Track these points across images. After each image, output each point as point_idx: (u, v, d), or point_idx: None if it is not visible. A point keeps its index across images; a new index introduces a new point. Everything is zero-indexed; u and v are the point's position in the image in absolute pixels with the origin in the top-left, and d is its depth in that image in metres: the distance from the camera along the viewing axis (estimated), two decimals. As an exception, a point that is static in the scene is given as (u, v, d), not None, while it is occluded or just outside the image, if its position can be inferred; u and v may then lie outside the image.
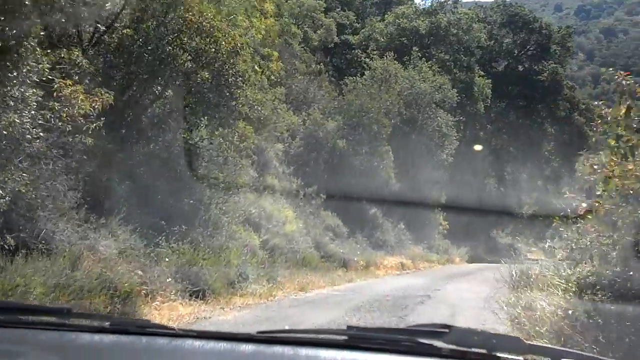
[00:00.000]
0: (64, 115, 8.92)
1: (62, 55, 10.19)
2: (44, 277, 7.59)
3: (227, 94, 12.84)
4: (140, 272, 8.95)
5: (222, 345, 2.09)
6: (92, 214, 9.93)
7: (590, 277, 7.43)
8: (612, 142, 7.26)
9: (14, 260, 7.67)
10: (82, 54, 10.84)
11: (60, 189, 9.19)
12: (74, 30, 11.26)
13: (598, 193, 7.70)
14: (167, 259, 10.17)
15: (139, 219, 11.03)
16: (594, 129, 8.67)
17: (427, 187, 32.25)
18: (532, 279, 13.43)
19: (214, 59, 12.76)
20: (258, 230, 16.30)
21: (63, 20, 8.87)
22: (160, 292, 9.37)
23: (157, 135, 13.52)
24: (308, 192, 24.07)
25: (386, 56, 31.91)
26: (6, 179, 7.70)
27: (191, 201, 12.74)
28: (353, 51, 38.35)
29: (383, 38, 39.39)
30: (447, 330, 2.04)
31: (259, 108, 14.73)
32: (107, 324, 2.29)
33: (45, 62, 8.62)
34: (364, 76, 30.45)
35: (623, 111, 7.11)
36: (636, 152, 6.99)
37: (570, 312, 7.40)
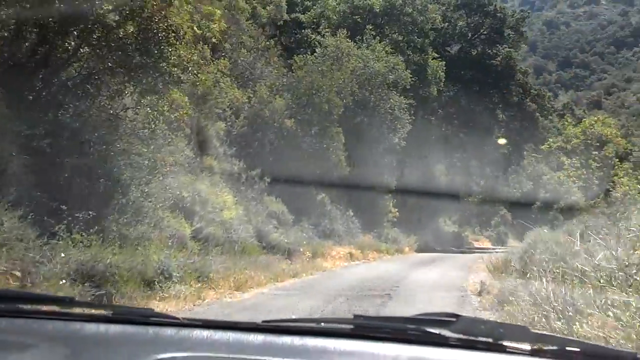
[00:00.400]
0: None
1: None
2: None
3: (156, 52, 10.64)
4: (18, 274, 6.76)
5: (230, 335, 2.06)
6: (-33, 195, 7.68)
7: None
8: None
9: None
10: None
11: None
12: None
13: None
14: (63, 254, 7.95)
15: (34, 202, 8.79)
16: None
17: (378, 172, 30.61)
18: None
19: (141, 9, 10.55)
20: (190, 217, 14.16)
21: None
22: (49, 299, 7.19)
23: (70, 102, 11.25)
24: (251, 175, 22.02)
25: (339, 33, 29.96)
26: None
27: (106, 181, 10.51)
28: (303, 30, 36.23)
29: (335, 16, 37.34)
30: (454, 319, 2.04)
31: (195, 72, 12.47)
32: (110, 313, 2.25)
33: None
34: (315, 54, 28.45)
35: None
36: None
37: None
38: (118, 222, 10.21)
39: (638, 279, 7.68)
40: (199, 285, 10.91)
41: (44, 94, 11.29)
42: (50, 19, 10.67)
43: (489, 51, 41.57)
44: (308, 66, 25.90)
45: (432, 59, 36.95)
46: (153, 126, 11.62)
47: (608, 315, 6.26)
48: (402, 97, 32.27)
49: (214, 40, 19.29)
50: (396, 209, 31.97)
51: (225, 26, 21.25)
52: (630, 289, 7.34)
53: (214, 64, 21.00)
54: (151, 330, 2.13)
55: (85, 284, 7.93)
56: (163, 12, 10.64)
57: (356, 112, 30.03)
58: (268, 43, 29.22)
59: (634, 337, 5.54)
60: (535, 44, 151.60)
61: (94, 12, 10.38)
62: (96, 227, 9.16)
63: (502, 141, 42.41)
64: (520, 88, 42.55)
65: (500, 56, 41.26)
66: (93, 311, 2.38)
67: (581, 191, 41.02)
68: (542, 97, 44.94)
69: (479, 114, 42.65)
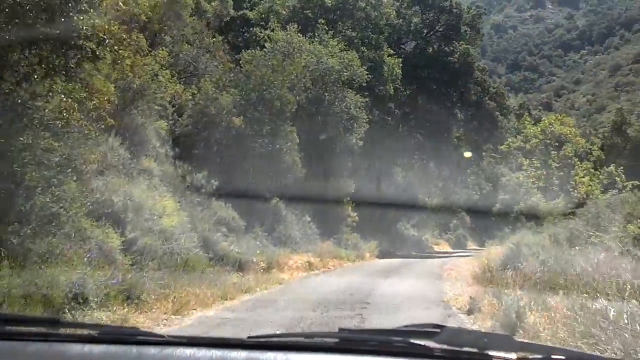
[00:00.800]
0: None
1: None
2: None
3: (63, 21, 8.49)
4: None
5: (214, 352, 2.05)
6: None
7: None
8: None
9: None
10: None
11: None
12: None
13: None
14: None
15: None
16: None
17: (335, 174, 28.81)
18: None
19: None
20: (121, 227, 11.95)
21: None
22: None
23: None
24: (196, 178, 19.95)
25: (289, 27, 28.04)
26: None
27: (5, 183, 8.30)
28: (252, 28, 34.13)
29: (285, 11, 35.39)
30: (438, 330, 2.06)
31: (116, 49, 10.28)
32: (96, 333, 2.25)
33: None
34: (265, 49, 26.44)
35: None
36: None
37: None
38: (17, 235, 8.00)
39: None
40: (126, 309, 8.76)
41: None
42: None
43: (446, 48, 40.14)
44: (257, 60, 23.84)
45: (387, 56, 35.27)
46: (66, 116, 9.40)
47: None
48: (358, 96, 30.51)
49: (143, 17, 17.06)
50: (355, 213, 30.12)
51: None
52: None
53: (151, 54, 18.77)
54: (135, 349, 2.10)
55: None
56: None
57: (310, 111, 28.17)
58: (214, 39, 27.05)
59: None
60: (484, 48, 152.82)
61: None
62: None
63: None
64: (479, 86, 41.27)
65: (458, 53, 39.87)
66: (79, 331, 2.35)
67: (541, 192, 40.10)
68: (501, 96, 43.81)
69: (436, 113, 41.21)
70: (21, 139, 8.82)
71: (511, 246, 15.22)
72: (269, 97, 22.80)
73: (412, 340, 2.05)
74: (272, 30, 28.54)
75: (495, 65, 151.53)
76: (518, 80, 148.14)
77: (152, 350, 2.09)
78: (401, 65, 35.47)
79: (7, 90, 9.57)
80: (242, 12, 34.73)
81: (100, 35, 8.82)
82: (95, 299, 8.12)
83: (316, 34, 31.23)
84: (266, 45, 26.95)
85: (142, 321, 8.48)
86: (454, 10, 40.44)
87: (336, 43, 30.66)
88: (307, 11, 34.97)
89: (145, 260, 11.75)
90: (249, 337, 2.17)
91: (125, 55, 11.42)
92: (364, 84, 30.70)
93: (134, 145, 17.43)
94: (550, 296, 8.17)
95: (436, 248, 48.14)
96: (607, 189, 35.36)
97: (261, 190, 22.68)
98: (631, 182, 34.99)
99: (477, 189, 49.51)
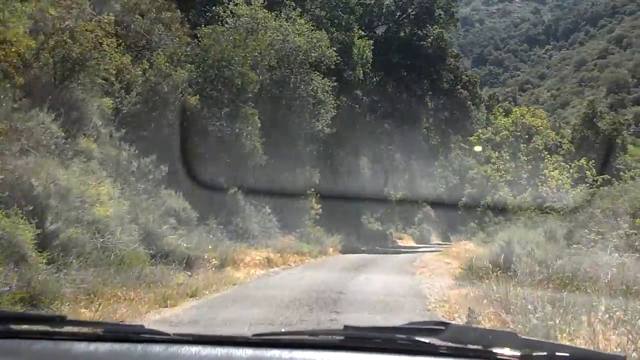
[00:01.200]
0: None
1: None
2: None
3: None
4: None
5: (219, 350, 2.05)
6: None
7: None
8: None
9: None
10: None
11: None
12: None
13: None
14: None
15: None
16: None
17: (299, 163, 26.90)
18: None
19: None
20: (40, 216, 9.85)
21: None
22: None
23: None
24: (144, 163, 17.78)
25: (254, 2, 25.88)
26: None
27: None
28: (214, 8, 31.77)
29: (250, -13, 33.12)
30: (443, 328, 2.06)
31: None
32: (101, 331, 2.25)
33: None
34: (227, 25, 24.27)
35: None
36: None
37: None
38: None
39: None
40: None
41: None
42: None
43: (419, 32, 38.28)
44: (217, 33, 21.67)
45: (358, 38, 33.31)
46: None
47: None
48: (325, 79, 28.60)
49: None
50: (319, 206, 28.24)
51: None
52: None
53: (95, 21, 16.54)
54: (140, 347, 2.09)
55: None
56: None
57: (274, 94, 26.16)
58: (171, 12, 24.75)
59: None
60: (451, 41, 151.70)
61: None
62: None
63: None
64: (452, 74, 39.57)
65: (431, 37, 38.08)
66: (84, 329, 2.32)
67: (509, 186, 38.88)
68: (473, 84, 42.21)
69: (406, 102, 39.46)
70: None
71: (501, 243, 13.49)
72: (229, 75, 20.72)
73: (416, 338, 2.04)
74: (236, 5, 26.36)
75: (460, 59, 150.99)
76: (483, 74, 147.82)
77: (158, 348, 2.07)
78: (372, 48, 33.55)
79: None
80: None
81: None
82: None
83: (283, 12, 29.15)
84: (228, 20, 24.80)
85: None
86: (428, -9, 38.61)
87: (304, 22, 28.64)
88: (274, -13, 32.81)
89: (68, 258, 9.68)
90: (254, 335, 2.15)
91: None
92: (333, 67, 28.78)
93: (71, 122, 15.27)
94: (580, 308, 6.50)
95: (400, 243, 46.71)
96: (578, 183, 34.17)
97: (217, 178, 20.72)
98: (602, 176, 33.98)
99: (443, 182, 48.09)
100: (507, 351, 1.98)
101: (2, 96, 9.10)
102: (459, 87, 39.54)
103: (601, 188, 28.21)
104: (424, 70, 38.66)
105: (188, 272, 13.27)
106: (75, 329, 2.30)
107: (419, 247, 41.49)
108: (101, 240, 11.36)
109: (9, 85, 9.71)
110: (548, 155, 39.36)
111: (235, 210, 20.63)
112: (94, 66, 16.90)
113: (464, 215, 44.22)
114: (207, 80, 20.78)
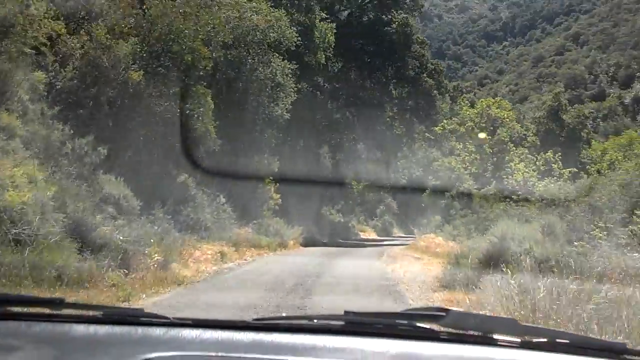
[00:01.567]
0: None
1: None
2: None
3: None
4: None
5: (220, 334, 2.05)
6: None
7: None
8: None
9: None
10: None
11: None
12: None
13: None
14: None
15: None
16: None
17: (257, 149, 24.90)
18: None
19: None
20: None
21: None
22: None
23: None
24: (79, 144, 15.60)
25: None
26: None
27: None
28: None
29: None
30: (443, 314, 2.06)
31: None
32: (100, 314, 2.23)
33: None
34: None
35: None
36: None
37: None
38: None
39: None
40: None
41: None
42: None
43: (383, 17, 36.48)
44: (165, 3, 19.44)
45: (319, 20, 31.37)
46: None
47: None
48: (285, 62, 26.66)
49: None
50: (278, 195, 26.28)
51: None
52: None
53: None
54: (140, 330, 2.09)
55: None
56: None
57: (230, 75, 24.14)
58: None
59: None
60: (416, 26, 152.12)
61: None
62: None
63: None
64: (417, 61, 37.90)
65: (396, 23, 36.32)
66: (83, 312, 2.31)
67: (473, 178, 37.66)
68: (439, 73, 40.67)
69: (369, 89, 37.69)
70: None
71: (493, 240, 11.71)
72: (178, 50, 18.58)
73: (417, 324, 2.06)
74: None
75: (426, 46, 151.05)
76: (442, 68, 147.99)
77: (158, 331, 2.07)
78: (334, 32, 31.65)
79: None
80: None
81: None
82: None
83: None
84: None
85: None
86: (392, -26, 36.79)
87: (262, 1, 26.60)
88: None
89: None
90: (254, 320, 2.17)
91: None
92: (293, 49, 26.82)
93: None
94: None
95: (362, 235, 45.08)
96: (544, 176, 32.98)
97: (165, 163, 18.64)
98: (568, 169, 32.99)
99: (406, 174, 46.51)
100: (507, 337, 1.99)
101: None
102: (424, 75, 37.91)
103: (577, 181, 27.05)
104: (388, 57, 36.90)
105: (125, 270, 11.18)
106: (74, 312, 2.27)
107: (383, 240, 39.93)
108: (14, 231, 9.26)
109: None
110: (513, 148, 38.28)
111: (185, 199, 18.54)
112: (20, 33, 14.71)
113: (428, 207, 42.76)
114: (153, 56, 18.61)
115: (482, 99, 41.21)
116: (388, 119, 39.76)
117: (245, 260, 17.57)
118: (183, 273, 12.31)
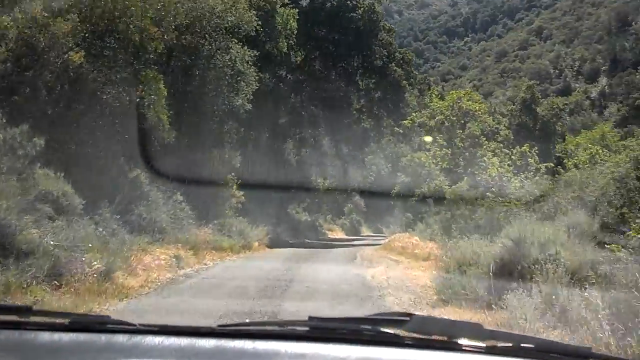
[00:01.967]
0: None
1: None
2: None
3: None
4: None
5: (183, 340, 2.02)
6: None
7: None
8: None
9: None
10: None
11: None
12: None
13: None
14: None
15: None
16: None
17: (217, 142, 22.91)
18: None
19: None
20: None
21: None
22: None
23: None
24: (12, 134, 13.45)
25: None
26: None
27: None
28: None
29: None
30: (407, 319, 2.05)
31: None
32: (67, 321, 2.19)
33: None
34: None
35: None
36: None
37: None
38: None
39: None
40: None
41: None
42: None
43: (348, 2, 34.58)
44: (111, -23, 17.28)
45: (280, 6, 29.36)
46: None
47: None
48: (246, 48, 24.72)
49: None
50: (242, 193, 24.29)
51: None
52: None
53: None
54: (105, 337, 2.07)
55: None
56: None
57: (185, 62, 22.19)
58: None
59: None
60: (383, 12, 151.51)
61: None
62: None
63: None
64: (385, 49, 36.14)
65: (361, 9, 34.48)
66: (51, 319, 2.31)
67: (445, 174, 36.22)
68: (408, 62, 38.99)
69: (334, 81, 35.84)
70: None
71: (508, 243, 9.64)
72: (124, 29, 16.45)
73: (381, 329, 2.04)
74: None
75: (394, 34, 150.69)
76: (410, 57, 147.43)
77: (121, 338, 2.05)
78: (297, 18, 29.72)
79: None
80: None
81: None
82: None
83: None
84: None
85: None
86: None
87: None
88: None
89: None
90: (219, 326, 2.14)
91: None
92: (253, 34, 24.86)
93: None
94: None
95: (330, 234, 43.29)
96: (520, 171, 31.64)
97: (114, 157, 16.57)
98: (545, 164, 31.82)
99: (374, 170, 44.84)
100: (472, 342, 1.98)
101: None
102: (392, 64, 36.13)
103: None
104: (354, 46, 35.01)
105: (56, 282, 9.16)
106: (41, 319, 2.25)
107: (352, 240, 38.19)
108: None
109: None
110: (486, 142, 36.96)
111: (137, 197, 16.47)
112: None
113: (397, 205, 41.20)
114: (96, 36, 16.46)
115: (453, 91, 39.66)
116: (355, 112, 37.93)
117: (205, 265, 15.59)
118: (129, 283, 10.31)
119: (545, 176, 28.00)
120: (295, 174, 36.01)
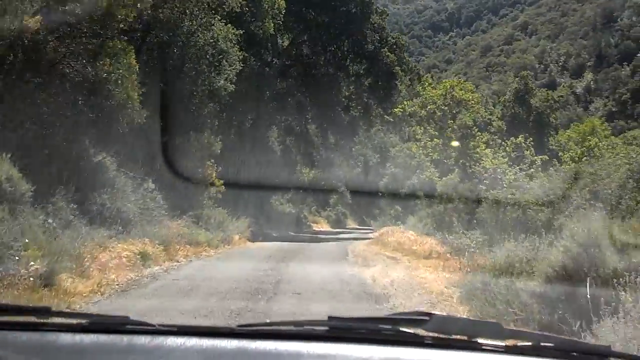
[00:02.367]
0: None
1: None
2: None
3: None
4: None
5: (204, 341, 2.01)
6: None
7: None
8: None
9: None
10: None
11: None
12: None
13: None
14: None
15: None
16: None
17: (195, 125, 20.98)
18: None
19: None
20: None
21: None
22: None
23: None
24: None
25: None
26: None
27: None
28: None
29: None
30: (427, 318, 2.02)
31: None
32: (86, 322, 2.15)
33: None
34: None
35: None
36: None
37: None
38: None
39: None
40: None
41: None
42: None
43: (338, -17, 32.66)
44: None
45: (268, -18, 27.41)
46: None
47: None
48: (229, 26, 22.81)
49: None
50: (222, 182, 22.33)
51: None
52: None
53: None
54: (126, 338, 2.05)
55: None
56: None
57: (163, 39, 20.23)
58: None
59: None
60: None
61: None
62: None
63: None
64: (377, 34, 34.23)
65: (353, -11, 32.57)
66: (70, 320, 2.24)
67: (435, 165, 34.63)
68: (400, 48, 37.12)
69: (323, 66, 33.89)
70: None
71: (573, 247, 7.28)
72: (91, -6, 14.43)
73: (401, 328, 2.03)
74: None
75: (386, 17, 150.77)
76: (403, 42, 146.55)
77: (143, 339, 2.03)
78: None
79: None
80: None
81: None
82: None
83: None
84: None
85: None
86: None
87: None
88: None
89: None
90: (238, 326, 2.13)
91: None
92: (237, 10, 22.90)
93: None
94: None
95: (315, 227, 41.51)
96: (515, 164, 30.05)
97: (75, 138, 14.55)
98: (540, 157, 30.36)
99: (362, 160, 43.06)
100: (491, 341, 1.97)
101: None
102: (384, 50, 34.23)
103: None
104: (345, 29, 33.08)
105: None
106: (60, 320, 2.21)
107: (339, 233, 36.44)
108: None
109: None
110: (479, 133, 35.43)
111: (100, 184, 14.46)
112: None
113: (385, 197, 39.54)
114: (57, 1, 14.41)
115: (446, 80, 37.97)
116: (344, 99, 36.02)
117: (177, 262, 13.69)
118: (76, 288, 8.35)
119: (552, 170, 26.69)
120: (280, 163, 34.22)
